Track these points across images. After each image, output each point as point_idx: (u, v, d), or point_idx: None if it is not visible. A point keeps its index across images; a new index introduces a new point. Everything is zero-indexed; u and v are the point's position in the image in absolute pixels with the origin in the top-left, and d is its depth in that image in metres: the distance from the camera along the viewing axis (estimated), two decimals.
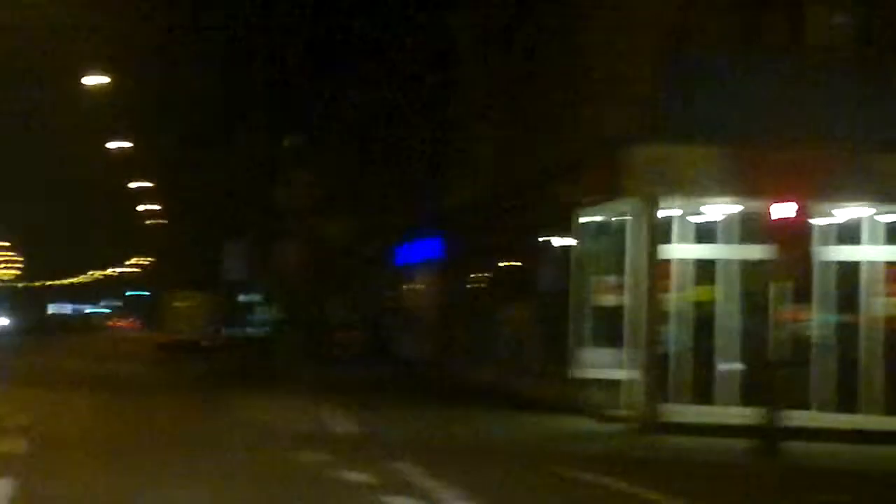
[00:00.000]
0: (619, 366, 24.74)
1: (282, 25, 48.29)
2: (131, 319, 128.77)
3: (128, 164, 68.86)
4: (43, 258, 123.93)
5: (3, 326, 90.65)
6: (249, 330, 79.17)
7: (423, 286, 41.91)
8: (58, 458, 16.67)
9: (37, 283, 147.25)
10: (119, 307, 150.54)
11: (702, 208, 23.80)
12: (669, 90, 22.50)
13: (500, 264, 32.71)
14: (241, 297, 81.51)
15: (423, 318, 41.06)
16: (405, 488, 14.50)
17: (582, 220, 25.53)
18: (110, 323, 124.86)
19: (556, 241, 27.77)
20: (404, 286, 44.57)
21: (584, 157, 24.79)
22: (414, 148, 40.10)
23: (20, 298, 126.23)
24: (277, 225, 33.46)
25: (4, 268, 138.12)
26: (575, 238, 25.60)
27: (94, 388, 29.71)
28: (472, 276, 35.88)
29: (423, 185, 39.25)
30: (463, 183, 35.76)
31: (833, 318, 23.99)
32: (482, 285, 34.98)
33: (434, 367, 37.52)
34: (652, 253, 22.70)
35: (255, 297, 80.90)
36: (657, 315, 22.95)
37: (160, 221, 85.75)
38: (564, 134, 26.35)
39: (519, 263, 31.27)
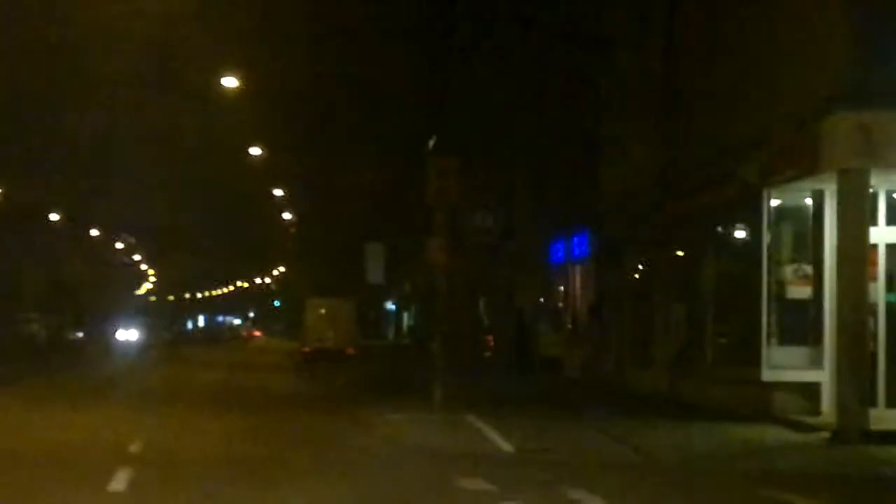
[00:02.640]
0: (815, 366, 21.81)
1: (420, 18, 46.21)
2: (258, 329, 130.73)
3: (263, 171, 67.52)
4: (182, 271, 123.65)
5: (134, 341, 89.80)
6: (392, 336, 77.44)
7: (575, 284, 39.07)
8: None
9: (172, 297, 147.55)
10: (252, 318, 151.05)
11: None
12: (875, 47, 19.32)
13: (663, 257, 29.66)
14: (386, 304, 79.82)
15: (576, 318, 38.22)
16: None
17: (773, 202, 22.43)
18: (245, 333, 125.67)
19: (733, 228, 24.77)
20: (555, 285, 41.77)
21: (773, 131, 21.65)
22: (566, 137, 37.18)
23: (159, 312, 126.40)
24: (421, 223, 30.99)
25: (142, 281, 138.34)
26: (763, 222, 22.46)
27: (225, 403, 27.36)
28: (629, 271, 32.94)
29: (576, 176, 36.35)
30: (620, 173, 32.74)
31: None
32: (641, 282, 32.03)
33: (589, 373, 34.63)
34: (858, 236, 19.55)
35: (396, 303, 79.14)
36: (862, 307, 19.81)
37: (294, 227, 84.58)
38: (745, 107, 23.20)
39: (684, 255, 28.24)
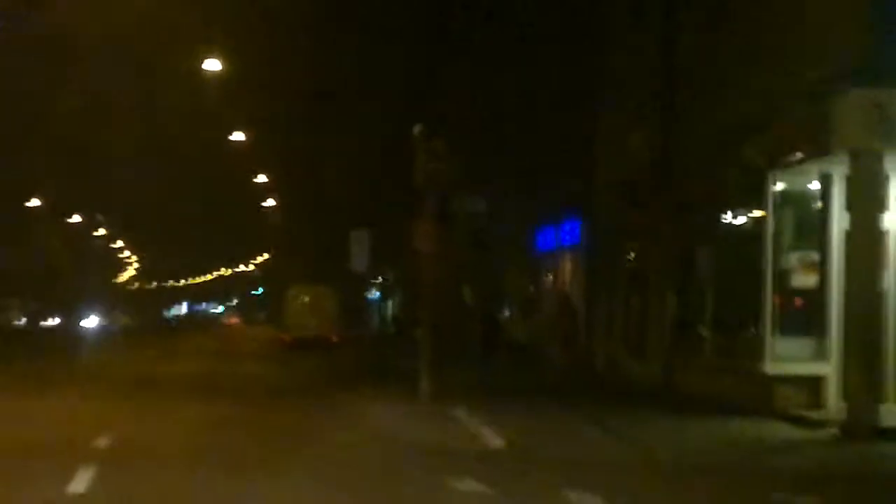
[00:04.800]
0: (820, 358, 20.78)
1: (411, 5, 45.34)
2: (236, 317, 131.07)
3: (247, 157, 66.69)
4: (164, 258, 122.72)
5: (99, 327, 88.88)
6: (377, 325, 76.47)
7: (566, 273, 38.05)
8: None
9: (153, 285, 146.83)
10: (232, 306, 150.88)
11: None
12: (891, 20, 18.24)
13: (660, 244, 28.60)
14: (370, 292, 78.88)
15: (566, 308, 37.19)
16: None
17: (778, 186, 21.36)
18: (225, 321, 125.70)
19: (735, 214, 23.73)
20: (545, 273, 40.78)
21: (781, 110, 20.56)
22: (558, 120, 36.08)
23: (136, 300, 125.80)
24: (408, 210, 30.05)
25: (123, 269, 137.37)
26: (767, 207, 21.39)
27: (201, 394, 26.27)
28: (623, 259, 31.91)
29: (567, 161, 35.28)
30: (614, 156, 31.68)
31: None
32: (635, 270, 31.01)
33: (580, 365, 33.60)
34: (869, 222, 18.49)
35: (380, 291, 78.18)
36: (873, 297, 18.77)
37: (277, 214, 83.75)
38: (750, 86, 22.08)
39: (682, 242, 27.17)
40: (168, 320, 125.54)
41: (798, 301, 21.36)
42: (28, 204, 79.96)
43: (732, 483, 14.68)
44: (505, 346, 39.99)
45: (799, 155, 20.09)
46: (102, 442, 16.84)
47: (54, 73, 54.42)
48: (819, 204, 20.99)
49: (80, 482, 13.43)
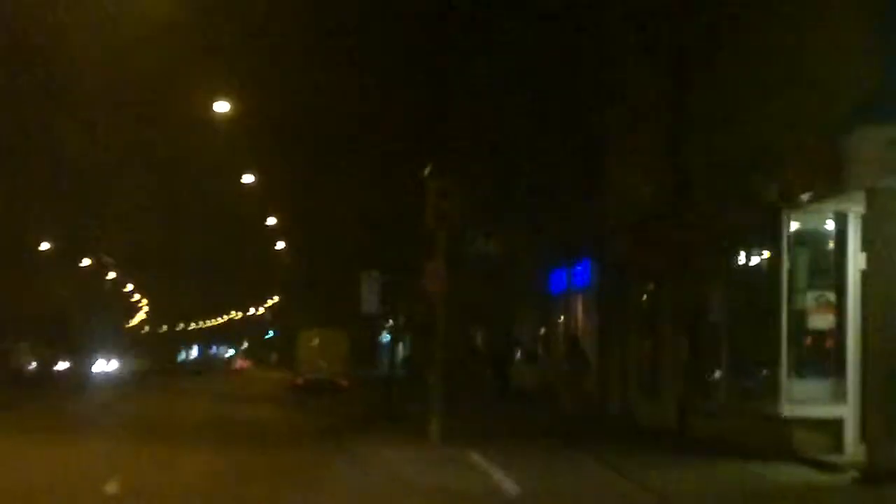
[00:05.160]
0: (838, 400, 20.49)
1: (413, 46, 45.10)
2: (245, 360, 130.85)
3: (257, 200, 66.54)
4: (175, 302, 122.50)
5: (111, 372, 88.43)
6: (386, 367, 76.09)
7: (578, 315, 37.75)
8: None
9: (165, 328, 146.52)
10: (245, 349, 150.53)
11: None
12: None
13: (672, 286, 28.31)
14: (381, 335, 78.57)
15: (576, 351, 36.88)
16: None
17: (793, 225, 21.10)
18: (235, 366, 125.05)
19: (749, 254, 23.46)
20: (556, 315, 40.46)
21: (795, 147, 20.30)
22: (568, 160, 35.86)
23: (148, 344, 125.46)
24: (418, 253, 29.84)
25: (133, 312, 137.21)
26: (782, 247, 21.12)
27: (211, 438, 25.95)
28: (635, 301, 31.60)
29: (578, 202, 35.05)
30: (625, 197, 31.44)
31: None
32: (648, 311, 30.70)
33: (590, 408, 33.27)
34: (886, 261, 18.20)
35: (391, 333, 77.83)
36: (891, 338, 18.45)
37: (288, 256, 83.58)
38: (764, 123, 21.82)
39: (695, 283, 26.86)
40: (183, 364, 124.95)
41: (812, 341, 21.06)
42: (39, 248, 79.90)
43: None
44: (513, 390, 39.71)
45: (814, 193, 19.82)
46: (111, 488, 16.55)
47: (58, 120, 54.34)
48: (834, 243, 20.72)
49: None
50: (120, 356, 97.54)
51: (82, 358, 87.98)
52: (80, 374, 78.37)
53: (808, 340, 21.17)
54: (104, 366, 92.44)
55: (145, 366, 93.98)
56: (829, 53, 19.52)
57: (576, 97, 34.67)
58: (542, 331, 41.97)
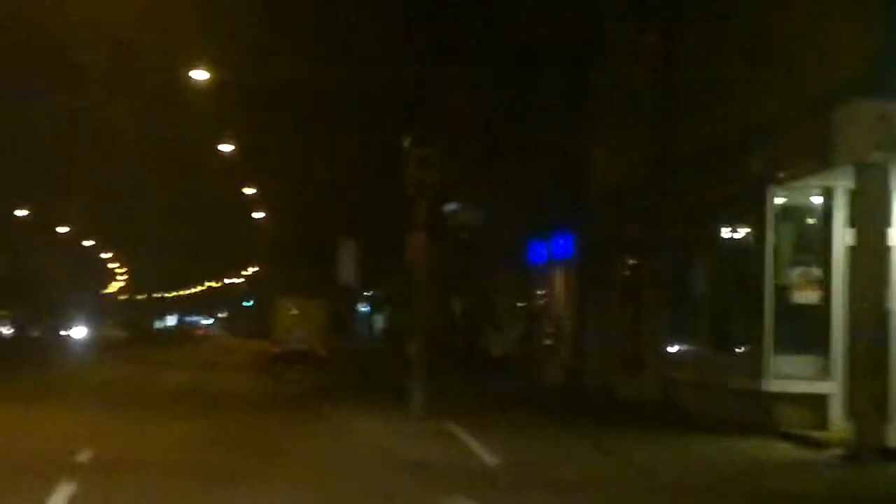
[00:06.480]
0: (823, 376, 20.29)
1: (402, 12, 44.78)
2: (205, 328, 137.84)
3: (234, 167, 66.15)
4: (153, 269, 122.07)
5: (83, 339, 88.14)
6: (365, 338, 75.93)
7: (557, 287, 37.54)
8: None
9: (143, 296, 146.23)
10: (223, 318, 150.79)
11: None
12: (894, 32, 17.75)
13: (655, 259, 28.11)
14: (359, 305, 78.39)
15: (557, 323, 36.73)
16: None
17: (778, 200, 20.87)
18: (199, 332, 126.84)
19: (734, 229, 23.24)
20: (535, 287, 40.25)
21: (783, 121, 20.06)
22: (551, 131, 35.55)
23: (126, 311, 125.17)
24: (398, 222, 29.59)
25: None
26: (767, 222, 20.90)
27: (186, 407, 25.70)
28: (618, 274, 31.40)
29: (561, 173, 34.77)
30: (609, 169, 31.17)
31: None
32: (630, 285, 30.50)
33: (571, 380, 33.11)
34: (874, 237, 17.99)
35: (370, 304, 77.69)
36: (880, 313, 18.25)
37: (266, 225, 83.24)
38: (751, 96, 21.59)
39: (678, 257, 26.66)
40: (160, 331, 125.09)
41: (797, 317, 20.88)
42: (15, 213, 79.45)
43: None
44: (481, 360, 39.63)
45: (801, 168, 19.58)
46: (84, 456, 16.27)
47: (37, 87, 53.86)
48: (820, 219, 20.52)
49: (59, 498, 12.88)
50: (95, 324, 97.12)
51: (57, 324, 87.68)
52: (53, 340, 78.04)
53: (793, 316, 20.95)
54: (78, 333, 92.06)
55: (119, 333, 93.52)
56: (819, 27, 19.29)
57: (561, 69, 34.37)
58: (519, 303, 41.72)
